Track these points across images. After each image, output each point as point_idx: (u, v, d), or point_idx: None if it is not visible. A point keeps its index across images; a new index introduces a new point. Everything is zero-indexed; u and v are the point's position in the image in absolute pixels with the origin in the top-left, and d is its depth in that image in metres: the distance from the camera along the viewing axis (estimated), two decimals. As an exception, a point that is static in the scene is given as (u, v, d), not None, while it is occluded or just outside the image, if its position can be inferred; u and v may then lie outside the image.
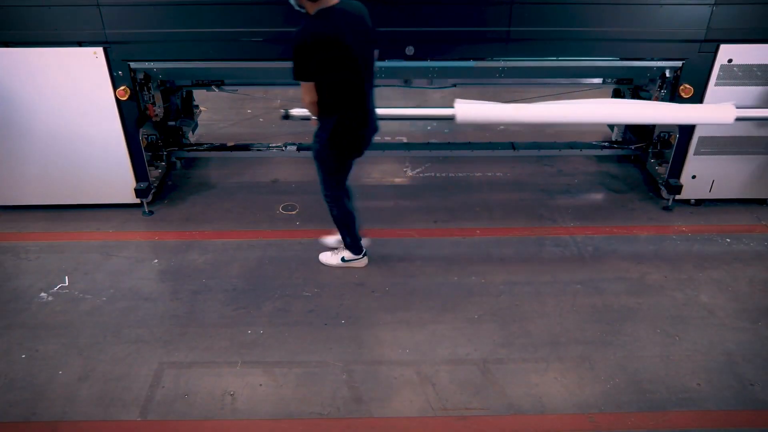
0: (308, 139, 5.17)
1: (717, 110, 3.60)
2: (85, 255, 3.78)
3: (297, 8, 2.90)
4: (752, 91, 3.84)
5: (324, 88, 2.92)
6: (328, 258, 3.70)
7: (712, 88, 3.84)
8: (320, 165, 3.25)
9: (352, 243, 3.60)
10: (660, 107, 3.70)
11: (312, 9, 2.82)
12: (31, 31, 3.62)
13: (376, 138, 5.11)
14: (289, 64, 3.06)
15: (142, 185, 4.12)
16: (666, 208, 4.29)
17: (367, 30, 2.95)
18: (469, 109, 3.54)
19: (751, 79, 3.80)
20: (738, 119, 3.61)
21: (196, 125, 5.12)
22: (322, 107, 3.00)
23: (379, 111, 3.31)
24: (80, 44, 3.67)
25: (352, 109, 3.02)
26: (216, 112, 5.94)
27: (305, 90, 2.94)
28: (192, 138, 5.00)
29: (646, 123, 3.94)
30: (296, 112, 3.77)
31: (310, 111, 3.07)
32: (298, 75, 2.87)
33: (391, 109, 3.69)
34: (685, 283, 3.53)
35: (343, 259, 3.65)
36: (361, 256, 3.65)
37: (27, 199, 4.17)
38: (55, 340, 3.10)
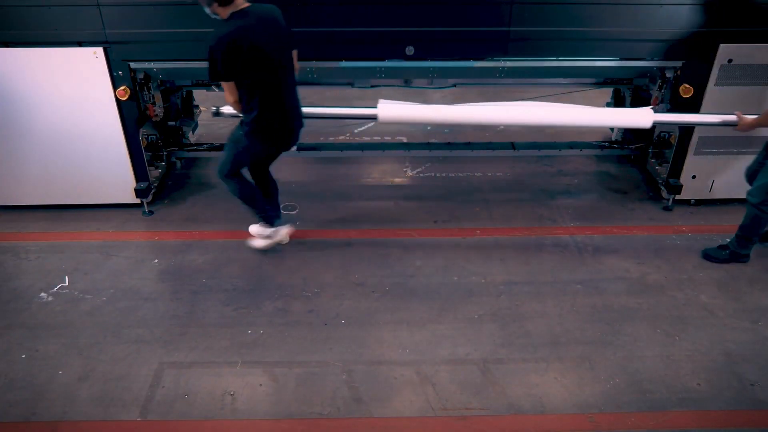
0: (309, 139, 5.18)
1: (636, 114, 3.74)
2: (85, 255, 3.78)
3: (211, 15, 3.08)
4: (752, 91, 3.84)
5: (242, 88, 3.12)
6: (258, 242, 3.80)
7: (711, 88, 3.84)
8: (233, 146, 3.40)
9: (265, 215, 3.69)
10: (582, 111, 3.79)
11: (224, 14, 3.00)
12: (31, 31, 3.62)
13: (376, 138, 5.12)
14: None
15: (142, 185, 4.12)
16: (666, 208, 4.29)
17: (279, 32, 3.14)
18: (391, 109, 3.71)
19: (751, 79, 3.80)
20: (655, 123, 3.74)
21: (196, 125, 5.13)
22: (243, 105, 3.20)
23: (305, 110, 3.54)
24: (80, 44, 3.67)
25: (270, 108, 3.20)
26: (216, 112, 5.93)
27: (226, 89, 3.13)
28: (192, 138, 5.01)
29: (567, 126, 3.99)
30: (226, 109, 3.84)
31: (234, 109, 3.29)
32: (214, 76, 3.05)
33: (314, 108, 3.82)
34: (685, 283, 3.53)
35: (268, 236, 3.76)
36: (275, 227, 3.75)
37: (27, 199, 4.17)
38: (55, 340, 3.10)
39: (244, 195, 3.60)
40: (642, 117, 3.72)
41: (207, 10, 3.05)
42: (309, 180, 4.77)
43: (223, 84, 3.12)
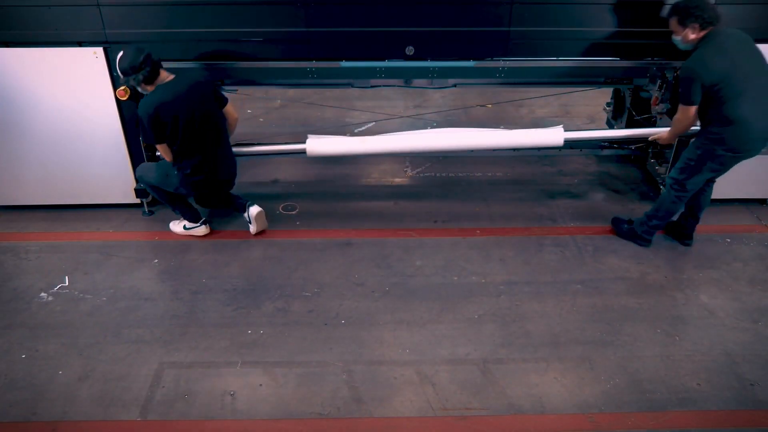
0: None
1: (547, 134, 3.94)
2: (85, 255, 3.78)
3: (140, 91, 3.44)
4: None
5: (174, 147, 3.52)
6: (174, 226, 3.98)
7: (712, 88, 3.84)
8: (162, 175, 3.68)
9: (186, 214, 3.88)
10: (496, 134, 4.00)
11: (150, 89, 3.38)
12: (31, 31, 3.62)
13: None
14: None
15: (142, 185, 4.11)
16: (666, 208, 4.29)
17: (205, 96, 3.50)
18: (319, 144, 3.94)
19: (751, 79, 3.80)
20: (566, 141, 3.95)
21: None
22: (175, 158, 3.57)
23: (236, 149, 3.94)
24: (80, 44, 3.67)
25: (198, 166, 3.57)
26: (216, 112, 5.93)
27: (161, 150, 3.56)
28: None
29: (484, 148, 4.17)
30: None
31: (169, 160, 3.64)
32: (147, 140, 3.50)
33: (242, 147, 4.12)
34: (685, 283, 3.53)
35: (185, 227, 3.93)
36: (198, 224, 3.92)
37: (27, 199, 4.17)
38: (55, 340, 3.10)
39: (165, 200, 3.83)
40: (554, 136, 3.93)
41: (138, 88, 3.42)
42: (309, 180, 4.77)
43: (158, 146, 3.53)
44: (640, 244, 3.83)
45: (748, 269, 3.65)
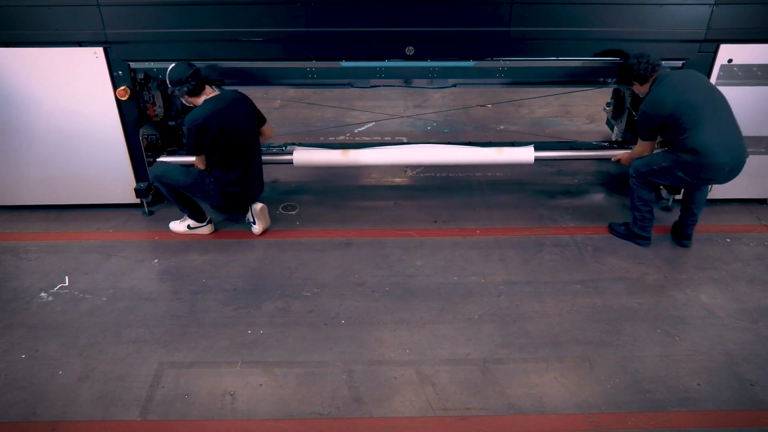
0: (308, 139, 5.19)
1: (519, 152, 4.14)
2: (85, 255, 3.78)
3: (187, 104, 3.69)
4: (752, 92, 3.84)
5: (212, 157, 3.67)
6: (176, 226, 3.99)
7: (712, 88, 3.84)
8: (192, 179, 3.74)
9: (192, 213, 3.90)
10: (471, 151, 4.16)
11: (197, 102, 3.60)
12: (31, 31, 3.63)
13: (376, 138, 5.15)
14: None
15: (142, 185, 4.12)
16: (666, 209, 4.30)
17: (246, 114, 3.71)
18: (304, 155, 4.17)
19: (751, 79, 3.80)
20: (536, 159, 4.13)
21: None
22: (213, 168, 3.71)
23: None
24: (80, 44, 3.68)
25: (233, 178, 3.71)
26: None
27: (197, 161, 3.70)
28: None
29: (459, 164, 4.39)
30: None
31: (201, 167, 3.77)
32: (188, 151, 3.62)
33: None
34: (685, 283, 3.53)
35: (189, 227, 3.95)
36: (204, 223, 3.95)
37: (27, 199, 4.17)
38: (55, 340, 3.10)
39: (174, 197, 3.82)
40: (525, 154, 4.13)
41: (182, 100, 3.64)
42: (309, 180, 4.77)
43: (195, 156, 3.66)
44: (640, 243, 3.84)
45: (748, 269, 3.65)
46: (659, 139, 3.66)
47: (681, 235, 3.85)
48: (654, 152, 3.71)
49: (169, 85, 3.56)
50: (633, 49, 3.80)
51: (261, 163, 3.94)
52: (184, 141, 3.65)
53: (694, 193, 3.73)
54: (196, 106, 3.59)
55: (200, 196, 3.79)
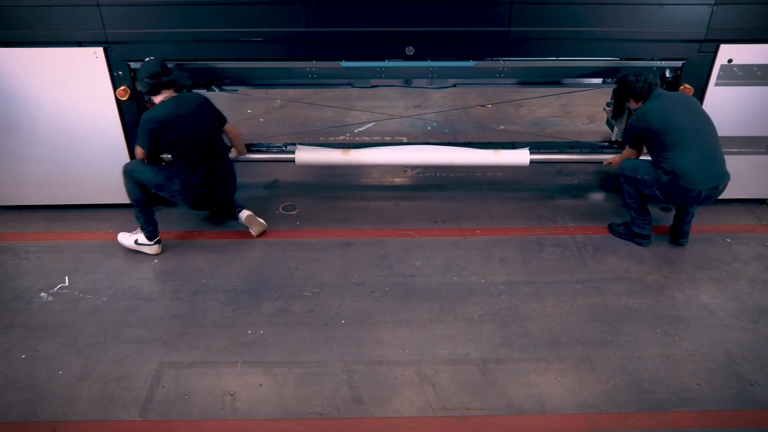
0: (309, 139, 5.18)
1: (514, 154, 4.20)
2: (85, 255, 3.78)
3: (146, 98, 3.69)
4: (752, 91, 3.84)
5: (174, 158, 3.69)
6: (124, 238, 3.83)
7: (712, 88, 3.84)
8: (161, 178, 3.68)
9: (146, 225, 3.74)
10: (467, 153, 4.21)
11: (156, 100, 3.57)
12: (31, 31, 3.62)
13: (376, 138, 5.13)
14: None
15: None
16: (665, 209, 4.29)
17: (203, 116, 3.66)
18: (306, 153, 4.20)
19: (751, 79, 3.80)
20: (532, 162, 4.18)
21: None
22: (177, 168, 3.69)
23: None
24: (80, 44, 3.68)
25: (193, 179, 3.67)
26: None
27: (138, 153, 3.66)
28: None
29: (457, 165, 4.45)
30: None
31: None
32: (136, 142, 3.61)
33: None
34: (685, 283, 3.53)
35: (136, 242, 3.79)
36: (153, 243, 3.77)
37: (27, 199, 4.17)
38: (55, 340, 3.10)
39: (134, 200, 3.71)
40: (520, 157, 4.18)
41: (146, 96, 3.66)
42: (309, 180, 4.77)
43: (138, 149, 3.63)
44: (641, 243, 3.84)
45: (748, 269, 3.65)
46: (645, 150, 3.72)
47: (677, 233, 3.86)
48: (642, 159, 3.76)
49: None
50: (633, 49, 3.81)
51: (230, 165, 3.90)
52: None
53: None
54: (154, 105, 3.59)
55: (168, 195, 3.72)
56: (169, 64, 3.71)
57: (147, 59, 3.56)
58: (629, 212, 3.83)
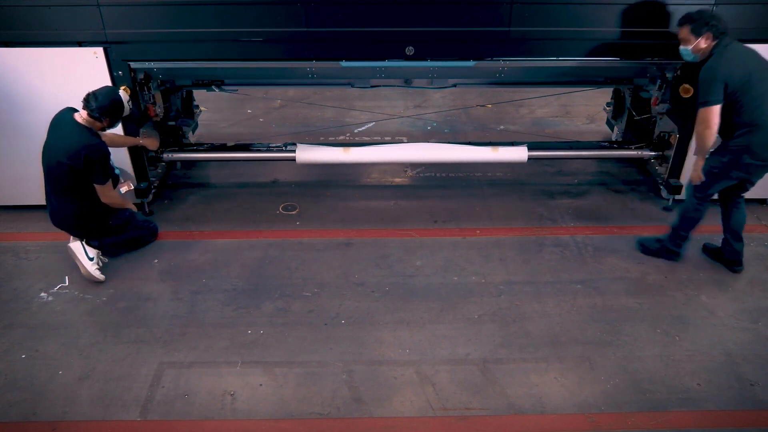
0: (309, 139, 5.18)
1: (512, 151, 4.24)
2: (85, 255, 3.77)
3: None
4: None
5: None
6: (77, 249, 3.55)
7: (712, 88, 3.83)
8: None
9: (106, 246, 3.66)
10: (467, 150, 4.25)
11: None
12: (31, 31, 3.62)
13: (376, 138, 5.16)
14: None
15: (143, 185, 4.12)
16: (666, 209, 4.29)
17: (66, 152, 3.30)
18: (307, 152, 4.23)
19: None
20: (531, 158, 4.24)
21: (196, 125, 5.12)
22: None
23: (230, 154, 4.38)
24: (80, 44, 3.67)
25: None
26: (216, 112, 5.94)
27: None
28: (192, 138, 5.00)
29: (455, 162, 4.49)
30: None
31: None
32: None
33: (243, 153, 4.47)
34: (685, 283, 3.53)
35: (90, 258, 3.54)
36: (92, 261, 3.55)
37: (27, 199, 4.17)
38: (55, 340, 3.10)
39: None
40: (519, 153, 4.23)
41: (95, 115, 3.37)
42: (309, 180, 4.76)
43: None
44: (671, 258, 3.71)
45: (748, 269, 3.65)
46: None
47: (730, 261, 3.65)
48: (706, 161, 3.35)
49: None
50: (633, 49, 3.81)
51: (68, 205, 3.51)
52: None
53: (731, 215, 3.59)
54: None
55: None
56: (167, 65, 3.72)
57: (107, 90, 3.40)
58: (678, 230, 3.59)
